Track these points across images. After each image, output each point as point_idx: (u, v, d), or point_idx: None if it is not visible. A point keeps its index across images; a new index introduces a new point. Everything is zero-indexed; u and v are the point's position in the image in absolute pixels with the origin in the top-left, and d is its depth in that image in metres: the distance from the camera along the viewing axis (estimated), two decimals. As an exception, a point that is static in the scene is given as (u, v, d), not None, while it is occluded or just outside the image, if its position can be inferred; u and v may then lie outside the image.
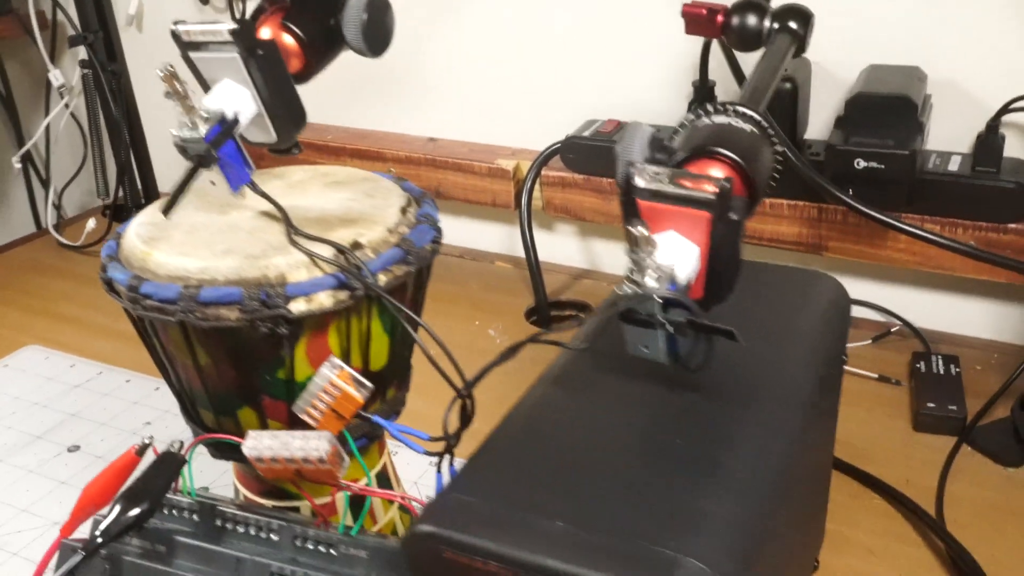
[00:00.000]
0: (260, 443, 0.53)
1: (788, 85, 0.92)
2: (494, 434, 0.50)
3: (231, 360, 0.57)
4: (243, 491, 0.67)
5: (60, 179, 1.44)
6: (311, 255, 0.55)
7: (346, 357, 0.58)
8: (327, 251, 0.55)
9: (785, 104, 0.92)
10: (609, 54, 1.07)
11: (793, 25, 0.69)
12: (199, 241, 0.58)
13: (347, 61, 1.26)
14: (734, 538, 0.43)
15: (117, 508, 0.56)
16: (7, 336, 1.10)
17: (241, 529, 0.58)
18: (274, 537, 0.57)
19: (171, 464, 0.59)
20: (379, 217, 0.59)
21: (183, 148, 0.55)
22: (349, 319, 0.57)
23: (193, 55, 0.57)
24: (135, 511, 0.56)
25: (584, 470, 0.46)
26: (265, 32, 0.60)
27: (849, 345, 0.98)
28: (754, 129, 0.55)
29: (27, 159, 1.42)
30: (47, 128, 1.39)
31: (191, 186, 0.55)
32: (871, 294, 1.03)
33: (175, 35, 0.56)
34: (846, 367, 0.93)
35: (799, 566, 0.59)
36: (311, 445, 0.52)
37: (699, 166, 0.53)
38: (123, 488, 0.58)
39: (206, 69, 0.57)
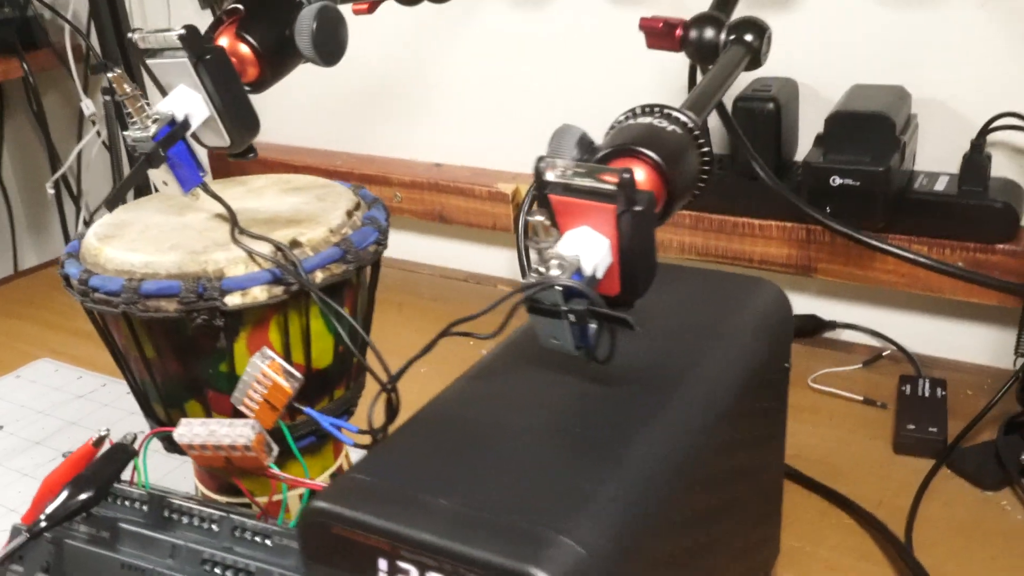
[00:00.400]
0: (191, 431, 0.55)
1: (771, 105, 0.93)
2: (405, 422, 0.51)
3: (175, 353, 0.59)
4: (201, 488, 0.69)
5: (93, 203, 1.50)
6: (249, 251, 0.57)
7: (287, 353, 0.60)
8: (267, 248, 0.58)
9: (768, 123, 0.93)
10: (608, 83, 1.09)
11: (748, 37, 0.70)
12: (149, 239, 0.61)
13: (357, 88, 1.30)
14: (614, 521, 0.43)
15: (64, 494, 0.59)
16: (23, 350, 1.14)
17: (186, 520, 0.59)
18: (215, 528, 0.58)
19: (122, 455, 0.62)
20: (324, 218, 0.62)
21: (133, 148, 0.58)
22: (287, 315, 0.59)
23: (149, 61, 0.60)
24: (80, 497, 0.59)
25: (482, 454, 0.47)
26: (223, 41, 0.63)
27: (839, 368, 0.98)
28: (678, 130, 0.56)
29: (60, 185, 1.48)
30: (79, 155, 1.46)
31: (134, 183, 0.57)
32: (862, 317, 1.02)
33: (131, 43, 0.60)
34: (830, 389, 0.93)
35: (731, 573, 0.59)
36: (236, 432, 0.54)
37: (619, 164, 0.54)
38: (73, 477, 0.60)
39: (162, 75, 0.61)
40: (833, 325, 1.04)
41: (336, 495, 0.45)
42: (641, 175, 0.54)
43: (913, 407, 0.89)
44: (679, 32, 0.73)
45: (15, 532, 0.60)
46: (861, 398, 0.93)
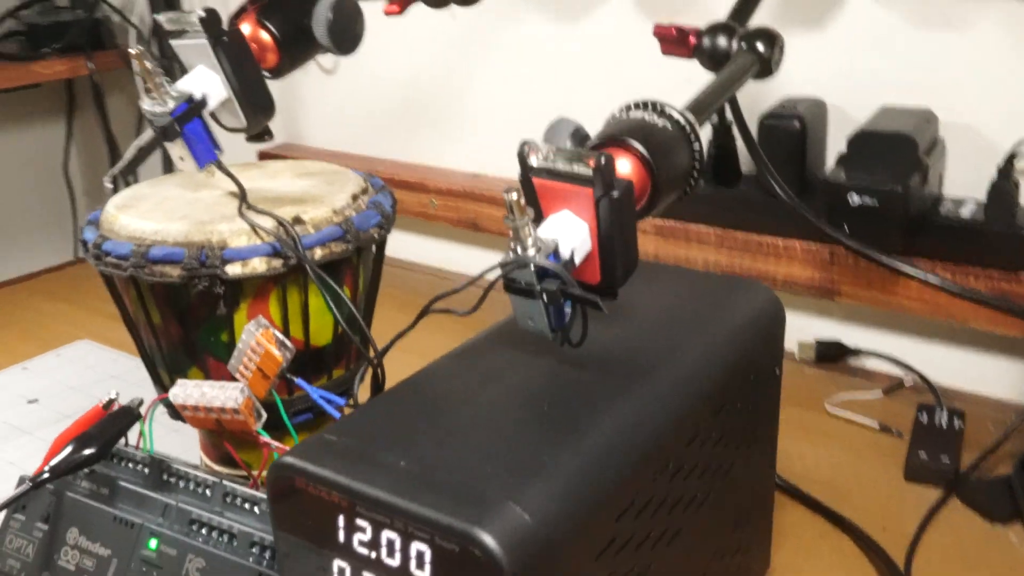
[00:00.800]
0: (185, 391, 0.58)
1: (796, 123, 0.93)
2: (384, 392, 0.53)
3: (177, 319, 0.62)
4: (205, 459, 0.72)
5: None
6: (253, 225, 0.60)
7: (286, 328, 0.63)
8: (270, 223, 0.60)
9: (793, 142, 0.93)
10: (646, 95, 1.10)
11: (759, 46, 0.71)
12: (162, 210, 0.64)
13: (400, 98, 1.34)
14: (565, 492, 0.44)
15: (68, 449, 0.62)
16: (67, 331, 1.19)
17: (182, 484, 0.62)
18: (208, 492, 0.61)
19: (126, 417, 0.64)
20: (328, 200, 0.64)
21: (151, 121, 0.61)
22: (286, 289, 0.61)
23: (173, 42, 0.64)
24: (83, 453, 0.62)
25: (448, 423, 0.49)
26: (245, 27, 0.66)
27: (858, 394, 0.97)
28: (669, 126, 0.57)
29: (118, 179, 1.54)
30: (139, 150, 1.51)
31: (148, 153, 0.61)
32: (886, 343, 1.01)
33: (158, 24, 0.63)
34: (846, 414, 0.93)
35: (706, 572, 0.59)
36: (226, 395, 0.56)
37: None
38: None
39: (184, 55, 0.64)
40: (857, 352, 1.03)
41: (302, 451, 0.47)
42: (627, 166, 0.55)
43: (928, 436, 0.88)
44: (692, 40, 0.74)
45: (20, 482, 0.63)
46: (877, 425, 0.92)
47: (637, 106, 0.59)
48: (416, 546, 0.43)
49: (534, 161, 0.52)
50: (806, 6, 0.98)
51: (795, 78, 1.00)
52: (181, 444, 0.73)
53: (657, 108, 0.59)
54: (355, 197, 0.65)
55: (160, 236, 0.60)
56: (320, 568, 0.47)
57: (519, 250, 0.50)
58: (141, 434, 0.65)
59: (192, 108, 0.62)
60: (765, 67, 0.72)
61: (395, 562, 0.44)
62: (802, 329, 1.05)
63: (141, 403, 0.65)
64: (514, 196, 0.49)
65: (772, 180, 0.86)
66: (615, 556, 0.48)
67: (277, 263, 0.59)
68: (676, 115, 0.59)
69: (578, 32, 1.15)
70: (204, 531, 0.58)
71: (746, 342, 0.59)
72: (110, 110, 1.55)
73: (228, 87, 0.63)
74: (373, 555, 0.45)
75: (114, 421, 0.64)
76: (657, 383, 0.53)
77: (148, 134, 0.61)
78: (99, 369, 1.09)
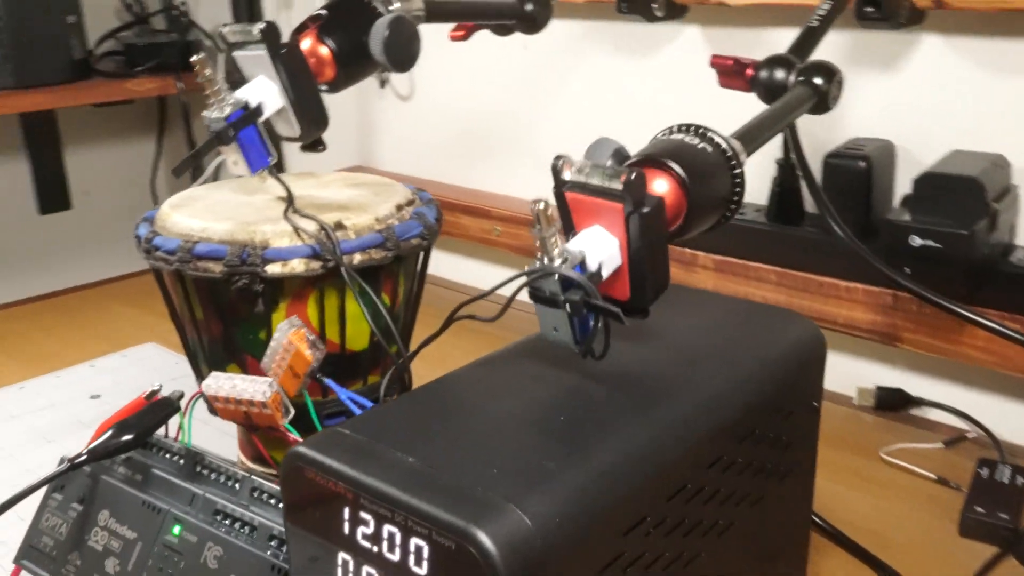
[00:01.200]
0: (217, 383, 0.59)
1: (862, 163, 0.92)
2: (404, 394, 0.53)
3: (219, 315, 0.64)
4: (241, 457, 0.73)
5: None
6: (295, 227, 0.62)
7: (322, 330, 0.64)
8: (312, 227, 0.62)
9: (858, 182, 0.92)
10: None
11: (817, 80, 0.70)
12: (213, 210, 0.66)
13: (468, 127, 1.36)
14: (568, 502, 0.44)
15: (107, 434, 0.64)
16: (135, 334, 1.24)
17: (213, 476, 0.64)
18: (237, 486, 0.62)
19: (165, 407, 0.67)
20: (373, 208, 0.66)
21: (208, 127, 0.64)
22: (324, 292, 0.63)
23: (235, 53, 0.66)
24: (121, 438, 0.64)
25: (462, 427, 0.49)
26: (305, 42, 0.69)
27: (918, 445, 0.94)
28: (709, 150, 0.57)
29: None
30: (216, 169, 1.57)
31: (203, 155, 0.63)
32: (949, 394, 0.98)
33: (222, 36, 0.66)
34: (904, 464, 0.90)
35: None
36: (255, 388, 0.58)
37: (646, 173, 0.56)
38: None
39: (245, 66, 0.67)
40: (920, 402, 1.00)
41: (315, 443, 0.48)
42: (663, 186, 0.55)
43: (988, 491, 0.84)
44: (749, 72, 0.74)
45: (60, 462, 0.65)
46: (935, 477, 0.89)
47: (680, 129, 0.59)
48: (415, 542, 0.43)
49: (567, 175, 0.53)
50: (877, 48, 0.97)
51: (865, 120, 0.99)
52: (222, 443, 0.74)
53: (699, 132, 0.59)
54: (399, 207, 0.66)
55: (206, 234, 0.62)
56: (325, 559, 0.47)
57: (545, 260, 0.51)
58: (180, 427, 0.67)
59: (247, 115, 0.64)
60: (822, 101, 0.71)
61: (395, 557, 0.44)
62: (862, 375, 1.02)
63: (181, 396, 0.67)
64: (541, 206, 0.50)
65: (829, 218, 0.85)
66: (623, 572, 0.47)
67: (315, 265, 0.61)
68: (719, 140, 0.58)
69: (644, 66, 1.15)
70: (227, 522, 0.59)
71: (779, 371, 0.58)
72: (197, 129, 1.61)
73: (284, 97, 0.66)
74: (375, 549, 0.45)
75: (153, 411, 0.66)
76: (677, 404, 0.52)
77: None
78: (162, 371, 1.13)
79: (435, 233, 0.67)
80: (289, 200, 0.64)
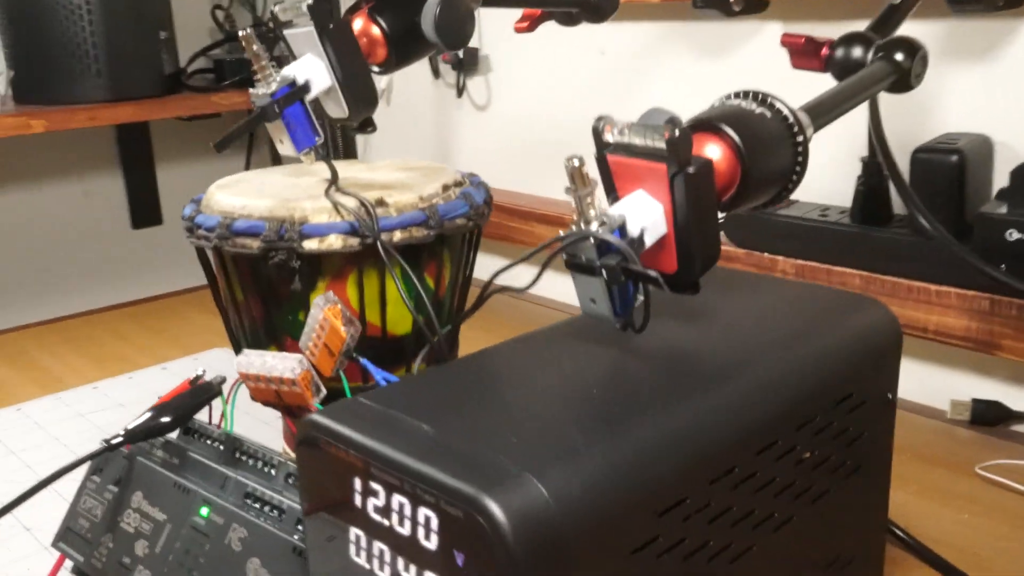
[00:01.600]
0: (248, 360, 0.58)
1: (954, 158, 0.85)
2: (435, 367, 0.51)
3: (259, 296, 0.62)
4: (285, 448, 0.71)
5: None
6: (335, 203, 0.60)
7: (362, 312, 0.62)
8: (353, 203, 0.60)
9: (950, 177, 0.85)
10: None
11: (898, 56, 0.65)
12: (257, 190, 0.65)
13: (545, 134, 1.33)
14: (594, 478, 0.40)
15: (145, 416, 0.63)
16: (208, 340, 1.25)
17: (251, 463, 0.62)
18: (273, 472, 0.60)
19: (205, 392, 0.65)
20: (418, 188, 0.63)
21: (254, 102, 0.63)
22: (363, 272, 0.61)
23: (286, 32, 0.65)
24: (160, 420, 0.63)
25: (491, 399, 0.46)
26: (357, 22, 0.67)
27: (1017, 461, 0.86)
28: (769, 116, 0.53)
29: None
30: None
31: (247, 130, 0.62)
32: (1055, 409, 0.90)
33: (273, 15, 0.65)
34: (1001, 480, 0.82)
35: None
36: (286, 365, 0.56)
37: (699, 139, 0.52)
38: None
39: (294, 44, 0.66)
40: (1021, 417, 0.92)
41: (330, 411, 0.45)
42: (716, 152, 0.51)
43: (1096, 512, 0.76)
44: (825, 51, 0.69)
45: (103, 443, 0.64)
46: (1036, 496, 0.81)
47: (739, 95, 0.55)
48: (424, 512, 0.40)
49: (609, 137, 0.50)
50: (972, 36, 0.91)
51: (960, 115, 0.93)
52: (265, 433, 0.73)
53: (759, 98, 0.54)
54: (446, 188, 0.64)
55: (247, 211, 0.61)
56: (339, 535, 0.45)
57: (582, 224, 0.47)
58: (223, 415, 0.65)
59: (294, 92, 0.63)
60: (903, 79, 0.66)
61: (405, 531, 0.41)
62: (956, 387, 0.95)
63: (223, 381, 0.65)
64: (575, 163, 0.46)
65: (916, 211, 0.79)
66: (658, 557, 0.43)
67: (354, 241, 0.59)
68: (780, 107, 0.54)
69: (724, 67, 1.11)
70: (257, 505, 0.57)
71: (846, 357, 0.53)
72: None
73: (332, 75, 0.64)
74: (386, 523, 0.42)
75: (193, 395, 0.64)
76: (727, 385, 0.48)
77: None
78: (229, 373, 1.12)
79: (483, 215, 0.64)
80: (333, 178, 0.62)
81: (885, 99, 0.89)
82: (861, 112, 0.80)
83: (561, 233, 0.48)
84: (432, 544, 0.40)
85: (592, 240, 0.46)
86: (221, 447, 0.63)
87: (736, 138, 0.51)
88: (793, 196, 1.12)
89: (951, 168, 0.85)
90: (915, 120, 0.96)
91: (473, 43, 1.32)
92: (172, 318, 1.34)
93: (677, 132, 0.46)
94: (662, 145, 0.47)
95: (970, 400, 0.92)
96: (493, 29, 1.32)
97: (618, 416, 0.44)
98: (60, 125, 1.31)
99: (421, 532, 0.40)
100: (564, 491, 0.39)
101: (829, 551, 0.55)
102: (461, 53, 1.30)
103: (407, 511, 0.41)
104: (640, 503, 0.42)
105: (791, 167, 0.54)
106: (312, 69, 0.64)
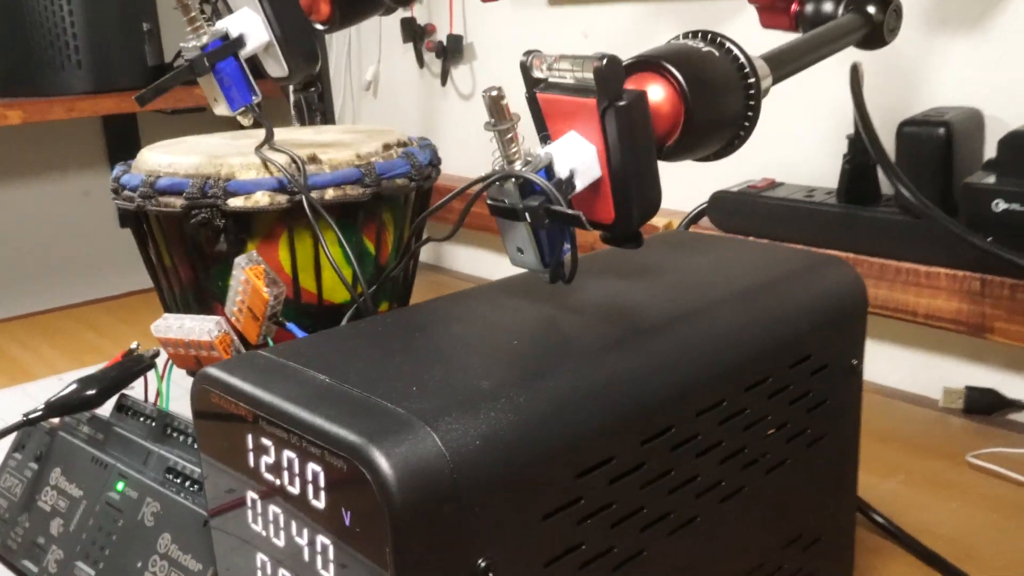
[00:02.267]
0: (166, 324, 0.54)
1: (941, 131, 0.81)
2: (351, 322, 0.47)
3: (187, 259, 0.59)
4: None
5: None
6: (264, 159, 0.56)
7: (296, 277, 0.58)
8: (283, 160, 0.56)
9: (936, 152, 0.81)
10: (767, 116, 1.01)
11: (870, 9, 0.61)
12: (188, 150, 0.61)
13: (528, 123, 1.29)
14: (501, 425, 0.36)
15: (69, 389, 0.59)
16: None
17: (180, 438, 0.58)
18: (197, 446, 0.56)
19: (135, 365, 0.61)
20: (356, 146, 0.60)
21: (184, 56, 0.59)
22: (295, 233, 0.57)
23: (222, -15, 0.62)
24: (83, 393, 0.59)
25: (400, 350, 0.42)
26: (300, -22, 0.64)
27: (1010, 450, 0.81)
28: (717, 56, 0.49)
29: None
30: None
31: (172, 84, 0.58)
32: (1051, 396, 0.84)
33: (210, -32, 0.62)
34: (992, 467, 0.77)
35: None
36: (202, 327, 0.52)
37: (639, 79, 0.48)
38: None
39: (231, -1, 0.62)
40: (1019, 405, 0.87)
41: (226, 364, 0.41)
42: (658, 92, 0.47)
43: (1093, 501, 0.71)
44: (794, 7, 0.65)
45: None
46: (1027, 483, 0.76)
47: (688, 35, 0.51)
48: (311, 468, 0.36)
49: (539, 73, 0.46)
50: (962, 6, 0.87)
51: (948, 89, 0.88)
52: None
53: (709, 37, 0.51)
54: (387, 147, 0.60)
55: (172, 168, 0.57)
56: (236, 497, 0.41)
57: (504, 163, 0.43)
58: (159, 393, 0.62)
59: (227, 46, 0.60)
60: (876, 34, 0.62)
61: (295, 489, 0.37)
62: (948, 374, 0.90)
63: (157, 354, 0.62)
64: (494, 93, 0.42)
65: (899, 184, 0.74)
66: (578, 524, 0.38)
67: (282, 199, 0.55)
68: (732, 47, 0.50)
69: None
70: (177, 479, 0.53)
71: (804, 319, 0.49)
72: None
73: (269, 30, 0.61)
74: (277, 482, 0.38)
75: (122, 367, 0.61)
76: (665, 338, 0.44)
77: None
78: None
79: (427, 177, 0.60)
80: (268, 136, 0.59)
81: (871, 75, 0.85)
82: (848, 90, 0.76)
83: (483, 174, 0.44)
84: (321, 503, 0.36)
85: (514, 181, 0.42)
86: (152, 423, 0.60)
87: (679, 76, 0.47)
88: (779, 178, 1.08)
89: (938, 141, 0.81)
90: (903, 95, 0.91)
91: (457, 30, 1.29)
92: (147, 311, 1.31)
93: (605, 61, 0.42)
94: (589, 78, 0.43)
95: (963, 388, 0.87)
96: (476, 15, 1.28)
97: (537, 367, 0.40)
98: (38, 116, 1.28)
99: (310, 490, 0.36)
100: (462, 443, 0.35)
101: (791, 528, 0.50)
102: (445, 40, 1.26)
103: (295, 467, 0.37)
104: (554, 460, 0.37)
105: (741, 113, 0.50)
106: (248, 23, 0.61)
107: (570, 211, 0.41)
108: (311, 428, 0.35)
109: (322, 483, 0.36)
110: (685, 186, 1.08)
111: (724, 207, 1.00)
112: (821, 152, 0.98)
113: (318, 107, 1.20)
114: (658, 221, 1.08)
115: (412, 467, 0.33)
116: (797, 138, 1.00)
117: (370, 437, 0.34)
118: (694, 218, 1.02)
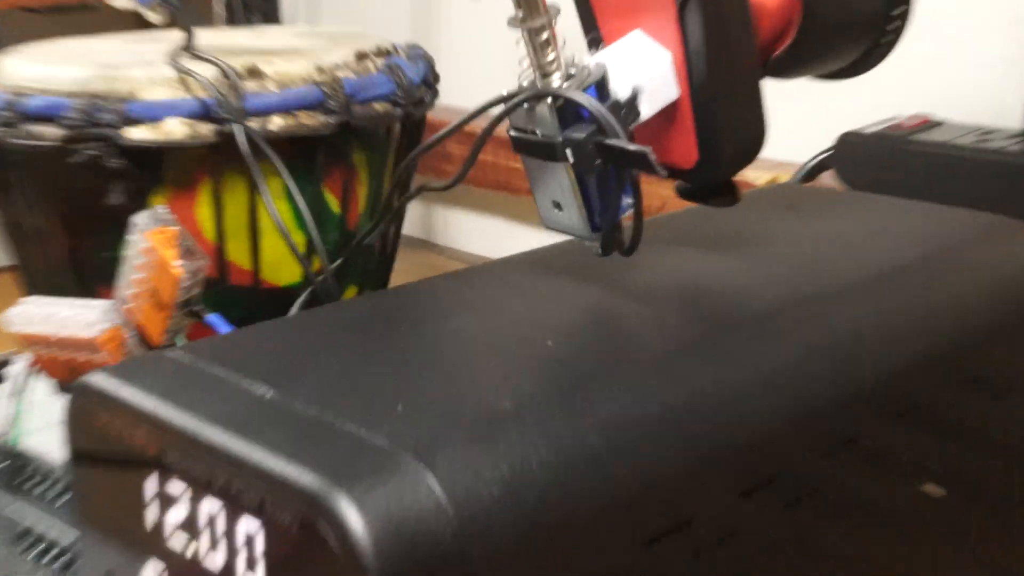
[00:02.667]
0: (27, 312, 0.54)
1: None
2: (310, 310, 0.48)
3: (62, 217, 0.59)
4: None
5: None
6: (182, 71, 0.57)
7: (221, 243, 0.58)
8: (210, 73, 0.57)
9: None
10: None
11: None
12: (72, 56, 0.62)
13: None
14: (525, 461, 0.36)
15: None
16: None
17: (39, 490, 0.59)
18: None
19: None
20: (315, 55, 0.60)
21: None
22: (223, 181, 0.57)
23: None
24: None
25: (380, 351, 0.43)
26: None
27: None
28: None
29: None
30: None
31: None
32: None
33: None
34: None
35: None
36: (82, 318, 0.52)
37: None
38: None
39: None
40: None
41: (118, 369, 0.42)
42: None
43: None
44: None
45: None
46: None
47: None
48: (245, 525, 0.36)
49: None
50: None
51: None
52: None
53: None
54: (362, 57, 0.60)
55: (46, 84, 0.58)
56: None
57: (537, 78, 0.43)
58: (11, 418, 0.62)
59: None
60: None
61: (219, 559, 0.37)
62: None
63: (5, 363, 0.62)
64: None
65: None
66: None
67: (206, 130, 0.55)
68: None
69: None
70: (31, 552, 0.54)
71: (984, 313, 0.49)
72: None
73: None
74: (192, 550, 0.38)
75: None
76: (772, 342, 0.44)
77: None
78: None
79: (418, 102, 0.60)
80: (188, 39, 0.59)
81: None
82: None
83: (504, 92, 0.44)
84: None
85: (550, 102, 0.42)
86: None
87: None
88: (938, 115, 1.09)
89: None
90: None
91: None
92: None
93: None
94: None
95: None
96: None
97: (581, 379, 0.40)
98: None
99: (241, 561, 0.36)
100: (472, 489, 0.35)
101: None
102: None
103: (220, 524, 0.37)
104: (609, 519, 0.37)
105: (884, 8, 0.50)
106: None
107: (633, 147, 0.41)
108: (245, 464, 0.35)
109: (259, 547, 0.35)
110: (800, 124, 1.09)
111: (857, 155, 1.02)
112: (1000, 77, 0.98)
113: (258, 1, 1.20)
114: (761, 175, 1.09)
115: (396, 522, 0.33)
116: (965, 57, 1.00)
117: (334, 477, 0.33)
118: (813, 170, 1.04)
